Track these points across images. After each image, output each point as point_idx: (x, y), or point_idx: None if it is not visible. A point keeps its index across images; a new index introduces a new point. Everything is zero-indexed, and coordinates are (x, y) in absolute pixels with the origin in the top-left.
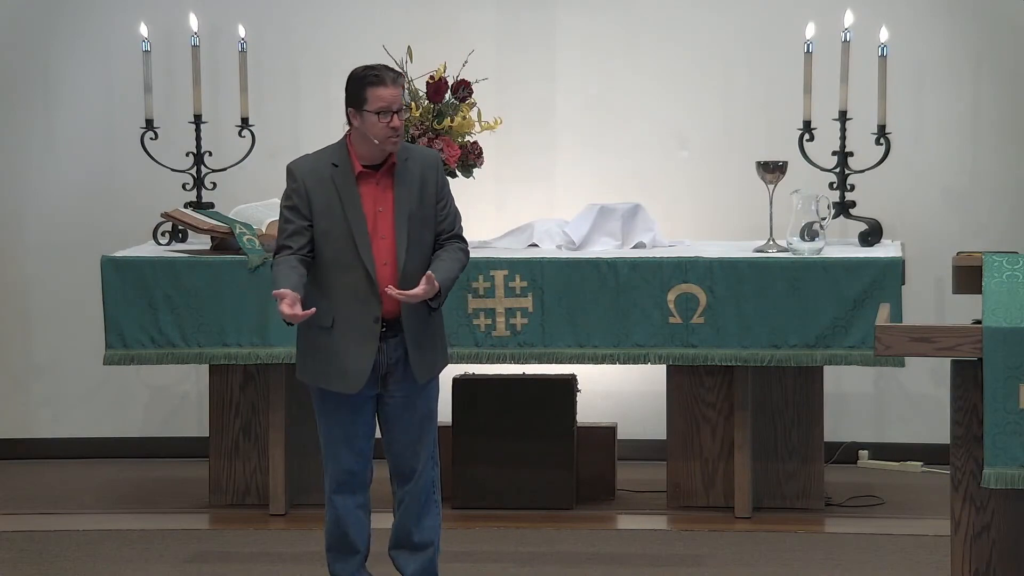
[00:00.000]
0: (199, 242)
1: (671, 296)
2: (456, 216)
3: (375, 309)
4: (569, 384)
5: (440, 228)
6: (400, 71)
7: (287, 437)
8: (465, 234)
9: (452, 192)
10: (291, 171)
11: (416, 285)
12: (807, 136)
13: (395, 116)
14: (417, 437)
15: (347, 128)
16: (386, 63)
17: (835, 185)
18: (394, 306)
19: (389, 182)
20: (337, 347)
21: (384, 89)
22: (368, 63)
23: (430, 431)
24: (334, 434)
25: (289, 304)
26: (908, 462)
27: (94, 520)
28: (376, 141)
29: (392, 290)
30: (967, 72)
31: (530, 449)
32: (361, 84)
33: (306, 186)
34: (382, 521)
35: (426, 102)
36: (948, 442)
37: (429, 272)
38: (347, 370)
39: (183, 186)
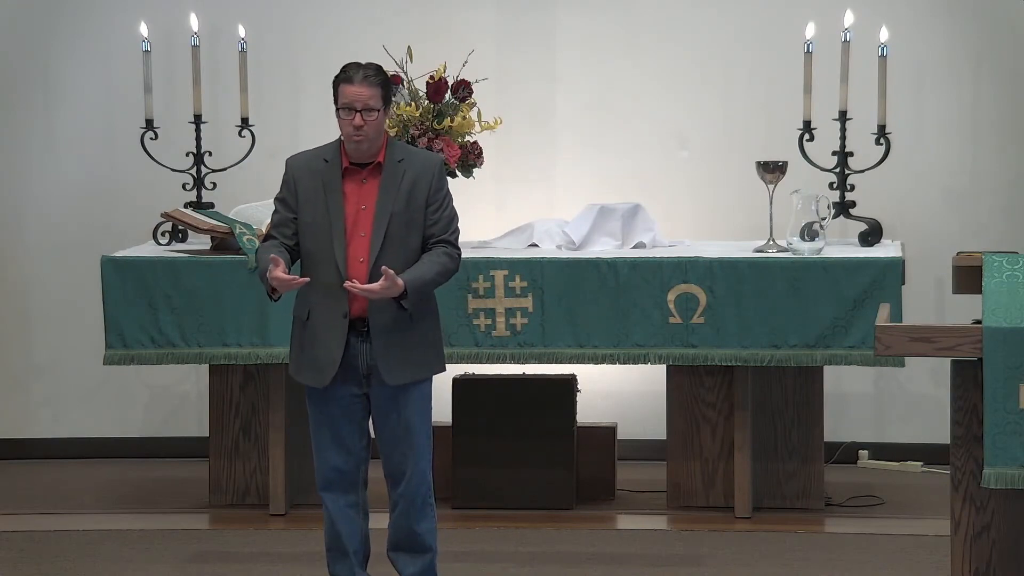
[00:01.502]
0: (199, 242)
1: (671, 296)
2: (451, 222)
3: (343, 305)
4: (569, 384)
5: (429, 232)
6: (380, 71)
7: (287, 437)
8: (465, 234)
9: (452, 198)
10: (287, 164)
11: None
12: (807, 136)
13: (358, 115)
14: (402, 439)
15: None
16: (385, 63)
17: (835, 185)
18: (367, 303)
19: (376, 180)
20: (311, 340)
21: (349, 86)
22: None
23: (417, 434)
24: (321, 431)
25: (283, 269)
26: (908, 462)
27: (94, 520)
28: (343, 138)
29: (351, 284)
30: (967, 72)
31: (530, 449)
32: (336, 80)
33: (295, 179)
34: (383, 521)
35: (426, 102)
36: (948, 442)
37: (385, 267)
38: (316, 364)
39: (183, 186)
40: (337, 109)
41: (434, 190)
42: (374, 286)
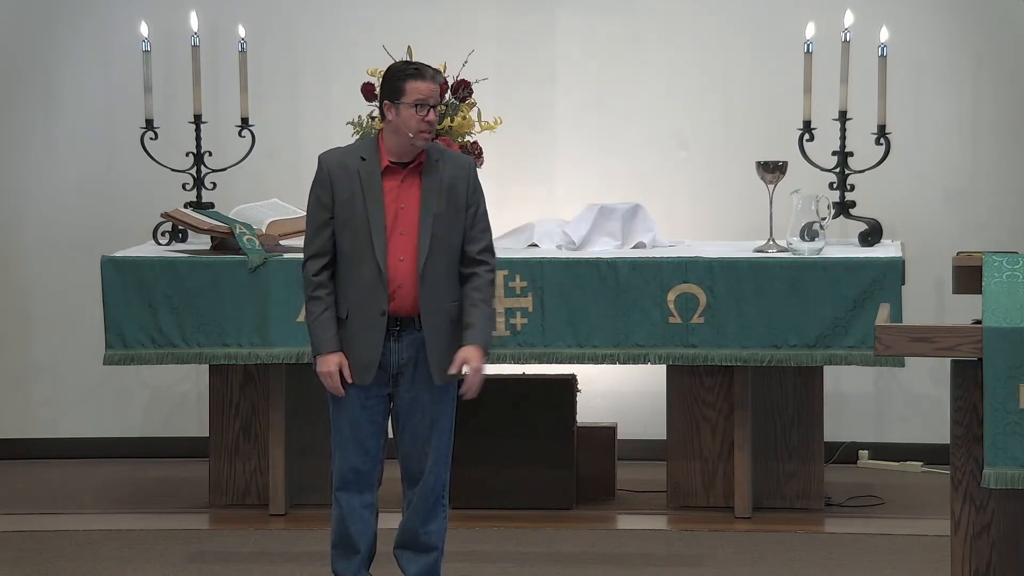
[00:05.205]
0: (199, 242)
1: (671, 296)
2: (487, 224)
3: (382, 303)
4: (569, 384)
5: (471, 235)
6: (439, 69)
7: (287, 437)
8: None
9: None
10: (320, 161)
11: (435, 284)
12: (807, 136)
13: (431, 110)
14: (426, 439)
15: (348, 124)
16: (384, 63)
17: (835, 185)
18: (408, 304)
19: (416, 180)
20: (349, 340)
21: (422, 83)
22: (366, 64)
23: (441, 435)
24: (343, 431)
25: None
26: (908, 462)
27: (94, 520)
28: (410, 135)
29: (466, 391)
30: (967, 72)
31: (530, 449)
32: (400, 77)
33: (331, 177)
34: (390, 522)
35: None
36: (948, 442)
37: (462, 351)
38: (356, 362)
39: (183, 186)
40: (399, 104)
41: (471, 189)
42: (471, 384)
